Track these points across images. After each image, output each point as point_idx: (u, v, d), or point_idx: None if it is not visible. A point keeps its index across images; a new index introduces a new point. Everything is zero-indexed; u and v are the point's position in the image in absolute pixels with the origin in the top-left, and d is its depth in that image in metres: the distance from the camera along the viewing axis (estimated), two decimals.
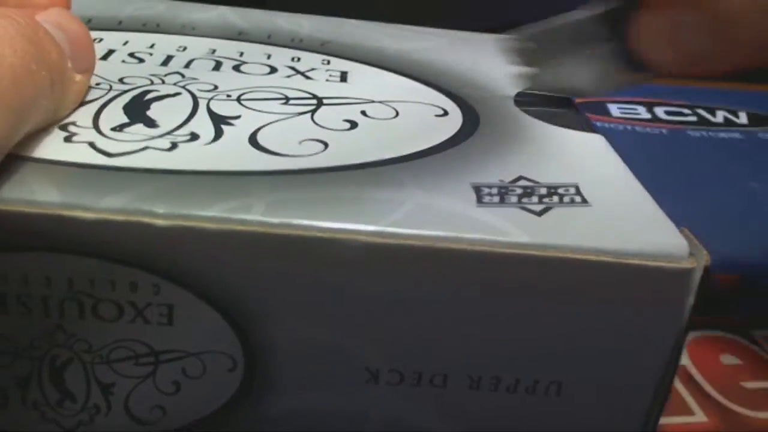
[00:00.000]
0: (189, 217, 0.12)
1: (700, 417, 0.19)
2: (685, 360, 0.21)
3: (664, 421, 0.19)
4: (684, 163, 0.33)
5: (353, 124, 0.16)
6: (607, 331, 0.13)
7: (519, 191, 0.14)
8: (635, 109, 0.38)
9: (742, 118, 0.38)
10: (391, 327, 0.13)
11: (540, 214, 0.13)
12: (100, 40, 0.19)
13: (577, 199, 0.13)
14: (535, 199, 0.13)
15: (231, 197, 0.13)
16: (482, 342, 0.13)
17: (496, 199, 0.13)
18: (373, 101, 0.17)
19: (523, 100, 0.18)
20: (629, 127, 0.36)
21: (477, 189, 0.14)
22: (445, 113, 0.17)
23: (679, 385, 0.20)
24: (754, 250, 0.27)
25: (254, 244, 0.12)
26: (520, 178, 0.14)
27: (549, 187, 0.14)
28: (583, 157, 0.15)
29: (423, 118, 0.16)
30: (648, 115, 0.37)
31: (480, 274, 0.12)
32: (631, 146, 0.34)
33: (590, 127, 0.17)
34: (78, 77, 0.15)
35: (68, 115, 0.15)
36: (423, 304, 0.12)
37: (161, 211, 0.12)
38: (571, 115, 0.17)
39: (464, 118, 0.17)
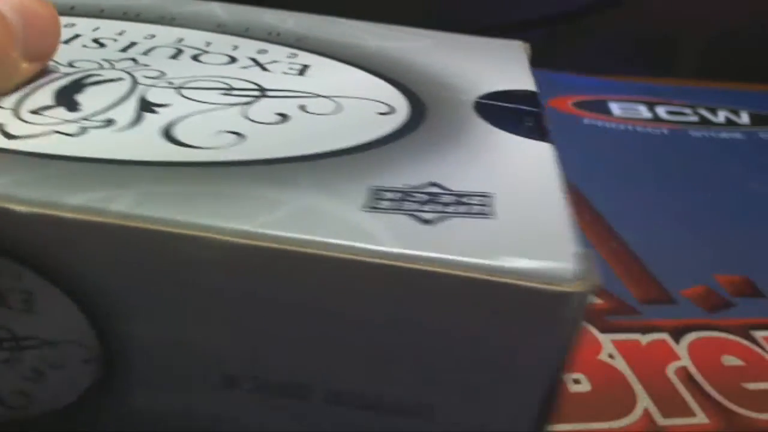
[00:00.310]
0: (48, 205, 0.12)
1: (701, 418, 0.19)
2: (685, 361, 0.20)
3: (665, 422, 0.18)
4: (685, 163, 0.32)
5: (284, 118, 0.15)
6: (480, 354, 0.11)
7: (421, 197, 0.12)
8: (636, 108, 0.36)
9: (744, 118, 0.36)
10: (250, 332, 0.12)
11: (430, 223, 0.12)
12: (73, 25, 0.19)
13: (484, 210, 0.12)
14: (434, 207, 0.12)
15: (105, 187, 0.12)
16: (343, 354, 0.12)
17: (390, 204, 0.12)
18: (319, 95, 0.16)
19: (485, 103, 0.17)
20: (630, 127, 0.35)
21: (374, 192, 0.12)
22: (391, 111, 0.16)
23: (680, 386, 0.20)
24: (754, 249, 0.26)
25: (110, 237, 0.11)
26: (430, 183, 0.13)
27: (457, 196, 0.13)
28: (517, 167, 0.14)
29: (363, 116, 0.15)
30: (649, 115, 0.36)
31: (343, 282, 0.11)
32: (631, 146, 0.33)
33: (542, 136, 0.15)
34: (24, 64, 0.15)
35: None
36: (284, 309, 0.11)
37: (24, 197, 0.12)
38: (528, 122, 0.16)
39: (409, 118, 0.16)
